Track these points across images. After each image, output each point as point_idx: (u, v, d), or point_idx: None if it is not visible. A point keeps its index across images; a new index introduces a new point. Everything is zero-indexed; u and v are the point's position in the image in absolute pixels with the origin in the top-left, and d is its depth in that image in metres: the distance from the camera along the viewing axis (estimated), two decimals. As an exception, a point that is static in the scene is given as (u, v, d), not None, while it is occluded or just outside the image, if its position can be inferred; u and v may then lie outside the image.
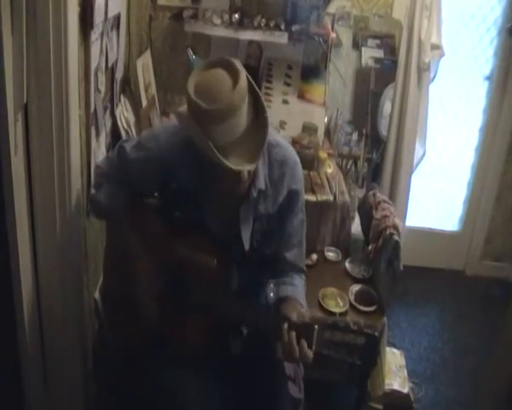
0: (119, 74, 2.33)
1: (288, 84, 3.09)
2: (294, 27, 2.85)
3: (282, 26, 2.84)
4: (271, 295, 1.80)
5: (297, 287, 1.69)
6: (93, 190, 1.74)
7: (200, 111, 1.37)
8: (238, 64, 1.42)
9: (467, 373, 2.87)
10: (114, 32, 2.18)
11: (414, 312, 3.34)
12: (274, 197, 1.63)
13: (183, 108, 1.46)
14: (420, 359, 2.94)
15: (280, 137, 1.71)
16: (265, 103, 1.48)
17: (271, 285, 1.80)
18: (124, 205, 1.65)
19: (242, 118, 1.40)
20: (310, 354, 1.41)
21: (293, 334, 1.42)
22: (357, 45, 3.18)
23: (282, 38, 2.85)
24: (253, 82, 1.45)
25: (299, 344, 1.41)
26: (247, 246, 1.62)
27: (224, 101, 1.36)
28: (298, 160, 1.69)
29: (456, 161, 3.59)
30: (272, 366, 1.69)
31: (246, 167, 1.43)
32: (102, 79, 1.99)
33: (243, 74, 1.40)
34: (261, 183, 1.59)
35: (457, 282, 3.64)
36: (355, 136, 3.15)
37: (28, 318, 1.65)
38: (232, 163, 1.39)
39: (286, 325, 1.44)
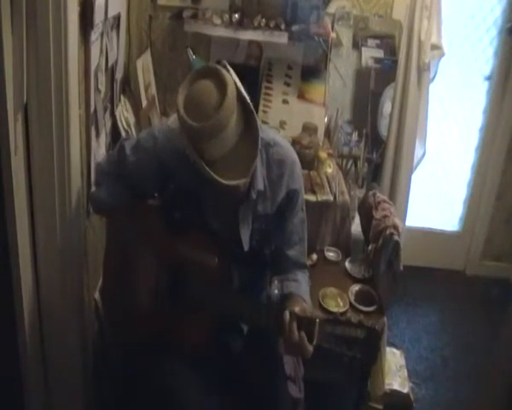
0: (119, 74, 2.34)
1: (288, 84, 3.08)
2: (294, 27, 2.85)
3: (282, 26, 2.84)
4: (276, 291, 1.80)
5: (300, 283, 1.70)
6: (94, 188, 1.74)
7: (190, 130, 1.37)
8: (225, 72, 1.41)
9: (467, 373, 2.87)
10: (114, 32, 2.18)
11: (414, 312, 3.33)
12: (273, 197, 1.63)
13: (174, 119, 1.46)
14: (420, 359, 2.94)
15: (278, 137, 1.71)
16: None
17: (275, 282, 1.81)
18: (124, 202, 1.65)
19: (232, 131, 1.39)
20: (310, 347, 1.42)
21: (295, 324, 1.43)
22: (357, 45, 3.18)
23: (282, 38, 2.86)
24: (241, 89, 1.44)
25: (300, 335, 1.41)
26: (246, 246, 1.62)
27: (211, 118, 1.35)
28: (296, 159, 1.69)
29: (456, 161, 3.59)
30: (272, 365, 1.69)
31: (238, 181, 1.42)
32: (102, 79, 1.99)
33: (231, 84, 1.39)
34: (260, 183, 1.59)
35: (457, 282, 3.64)
36: (355, 136, 3.15)
37: (28, 318, 1.65)
38: (224, 178, 1.38)
39: (288, 316, 1.44)
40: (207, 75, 1.41)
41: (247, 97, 1.45)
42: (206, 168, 1.37)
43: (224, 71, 1.41)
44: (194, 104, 1.38)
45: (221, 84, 1.38)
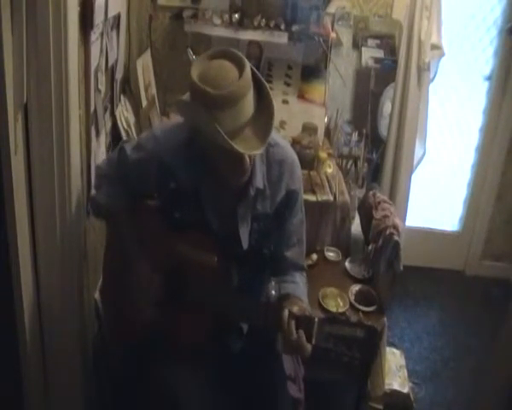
0: (119, 74, 2.33)
1: (288, 84, 3.09)
2: (294, 27, 2.85)
3: (282, 26, 2.85)
4: (273, 292, 1.80)
5: (298, 285, 1.70)
6: (93, 191, 1.74)
7: (207, 97, 1.36)
8: (242, 55, 1.42)
9: (467, 373, 2.88)
10: (114, 32, 2.18)
11: (414, 312, 3.34)
12: (272, 197, 1.63)
13: (185, 96, 1.45)
14: (420, 359, 2.94)
15: (279, 137, 1.71)
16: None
17: (273, 283, 1.81)
18: (124, 206, 1.65)
19: (248, 105, 1.40)
20: (308, 346, 1.41)
21: (293, 323, 1.43)
22: (357, 45, 3.18)
23: (282, 38, 2.86)
24: (257, 72, 1.45)
25: (298, 334, 1.41)
26: (245, 245, 1.62)
27: (231, 86, 1.36)
28: (296, 159, 1.69)
29: (456, 161, 3.59)
30: (272, 365, 1.69)
31: (252, 151, 1.42)
32: (102, 79, 1.99)
33: (248, 65, 1.41)
34: (259, 182, 1.59)
35: (457, 282, 3.64)
36: (355, 136, 3.15)
37: (28, 318, 1.65)
38: (238, 147, 1.38)
39: (286, 314, 1.44)
40: (223, 55, 1.42)
41: (262, 78, 1.46)
42: (222, 132, 1.35)
43: (239, 52, 1.43)
44: (213, 76, 1.38)
45: (238, 62, 1.40)
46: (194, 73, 1.39)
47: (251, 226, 1.63)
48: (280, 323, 1.44)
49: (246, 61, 1.41)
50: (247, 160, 1.46)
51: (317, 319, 1.42)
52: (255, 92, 1.44)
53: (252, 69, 1.43)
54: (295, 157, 1.69)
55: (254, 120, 1.42)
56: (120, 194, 1.65)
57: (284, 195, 1.65)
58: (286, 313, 1.45)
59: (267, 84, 1.48)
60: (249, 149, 1.40)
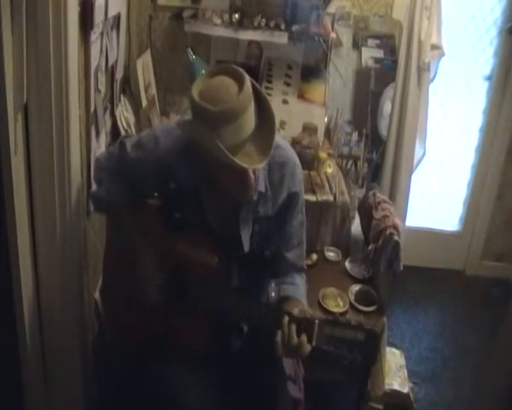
0: (119, 74, 2.34)
1: (288, 84, 3.09)
2: (294, 27, 2.86)
3: (282, 26, 2.85)
4: (273, 294, 1.80)
5: (298, 286, 1.70)
6: (94, 186, 1.74)
7: (207, 113, 1.36)
8: (242, 70, 1.42)
9: (467, 373, 2.87)
10: (114, 32, 2.18)
11: (414, 312, 3.34)
12: (274, 200, 1.63)
13: (186, 116, 1.46)
14: (420, 359, 2.94)
15: (280, 139, 1.70)
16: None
17: (273, 285, 1.81)
18: (125, 200, 1.65)
19: (249, 119, 1.40)
20: (308, 348, 1.42)
21: (294, 326, 1.43)
22: (357, 45, 3.18)
23: (282, 38, 2.86)
24: (257, 86, 1.45)
25: (300, 338, 1.42)
26: (246, 247, 1.62)
27: (231, 102, 1.35)
28: (298, 161, 1.69)
29: (456, 161, 3.59)
30: (272, 365, 1.69)
31: (255, 166, 1.42)
32: (102, 79, 1.99)
33: (248, 80, 1.40)
34: (261, 185, 1.58)
35: (457, 282, 3.64)
36: (355, 136, 3.15)
37: (28, 318, 1.65)
38: (241, 162, 1.37)
39: (287, 319, 1.44)
40: (223, 72, 1.42)
41: (263, 92, 1.47)
42: (224, 149, 1.34)
43: (239, 68, 1.43)
44: (213, 93, 1.38)
45: (238, 78, 1.40)
46: (195, 92, 1.39)
47: (252, 229, 1.63)
48: (280, 328, 1.44)
49: (246, 75, 1.41)
50: (252, 176, 1.46)
51: (317, 321, 1.42)
52: (256, 106, 1.43)
53: (252, 83, 1.43)
54: (296, 159, 1.69)
55: (255, 134, 1.42)
56: (121, 189, 1.65)
57: (285, 197, 1.65)
58: (286, 318, 1.45)
59: (268, 98, 1.47)
60: (251, 163, 1.40)
